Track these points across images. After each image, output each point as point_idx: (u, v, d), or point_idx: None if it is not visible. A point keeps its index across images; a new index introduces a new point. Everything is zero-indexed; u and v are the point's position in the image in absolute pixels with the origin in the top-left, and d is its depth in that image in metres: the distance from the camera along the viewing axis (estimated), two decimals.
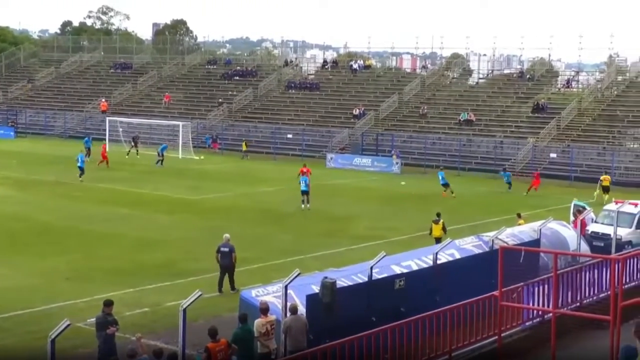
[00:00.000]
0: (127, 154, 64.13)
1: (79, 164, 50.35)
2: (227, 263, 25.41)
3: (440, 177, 49.19)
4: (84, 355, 18.84)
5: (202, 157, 66.10)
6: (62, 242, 32.14)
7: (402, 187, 52.89)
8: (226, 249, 25.48)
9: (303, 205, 42.33)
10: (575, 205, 33.27)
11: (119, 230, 34.81)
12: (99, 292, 23.54)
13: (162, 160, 59.17)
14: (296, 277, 17.83)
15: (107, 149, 57.94)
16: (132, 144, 65.86)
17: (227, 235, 26.05)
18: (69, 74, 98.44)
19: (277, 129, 72.93)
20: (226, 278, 25.49)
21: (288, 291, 17.81)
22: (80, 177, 49.58)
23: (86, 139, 62.97)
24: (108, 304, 17.70)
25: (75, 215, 38.38)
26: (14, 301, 23.38)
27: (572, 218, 31.54)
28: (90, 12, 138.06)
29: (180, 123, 69.74)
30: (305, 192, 42.44)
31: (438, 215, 32.00)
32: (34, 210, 38.96)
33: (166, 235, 34.34)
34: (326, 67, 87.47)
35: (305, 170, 47.50)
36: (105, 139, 67.62)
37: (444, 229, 31.27)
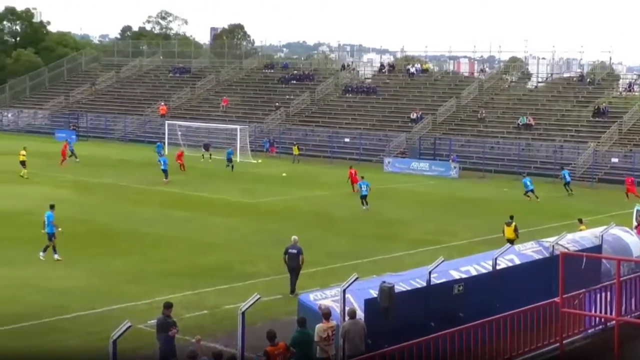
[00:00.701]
0: (202, 157, 64.70)
1: (162, 167, 51.36)
2: (294, 265, 25.47)
3: (528, 183, 48.94)
4: (145, 356, 19.02)
5: (259, 161, 66.41)
6: (122, 245, 32.53)
7: (461, 190, 52.55)
8: (294, 251, 25.52)
9: (364, 207, 42.54)
10: (638, 210, 32.72)
11: (178, 233, 35.14)
12: (158, 294, 23.81)
13: (232, 166, 59.26)
14: (354, 281, 17.78)
15: (183, 155, 58.18)
16: (204, 150, 66.06)
17: (295, 237, 26.09)
18: (128, 78, 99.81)
19: (334, 133, 73.01)
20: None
21: (346, 295, 17.76)
22: (165, 178, 50.83)
23: (158, 144, 63.49)
24: (168, 306, 17.81)
25: (135, 217, 38.83)
26: (76, 302, 23.73)
27: (635, 224, 31.03)
28: (150, 17, 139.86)
29: (238, 127, 70.21)
30: (365, 197, 42.82)
31: (511, 217, 32.15)
32: (94, 212, 39.51)
33: (224, 238, 34.56)
34: (383, 71, 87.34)
35: (354, 172, 47.96)
36: (164, 143, 68.50)
37: (516, 231, 31.24)
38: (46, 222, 29.24)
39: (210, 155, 64.58)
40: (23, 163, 51.70)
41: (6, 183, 48.78)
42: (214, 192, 48.07)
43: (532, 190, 48.57)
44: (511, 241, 29.30)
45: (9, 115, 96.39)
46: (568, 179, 51.49)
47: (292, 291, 25.08)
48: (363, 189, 43.22)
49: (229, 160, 59.61)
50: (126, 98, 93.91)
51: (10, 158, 56.04)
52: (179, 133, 72.45)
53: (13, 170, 52.09)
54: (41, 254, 29.03)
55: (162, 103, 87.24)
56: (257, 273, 27.92)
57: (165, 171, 51.27)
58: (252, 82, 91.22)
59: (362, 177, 44.80)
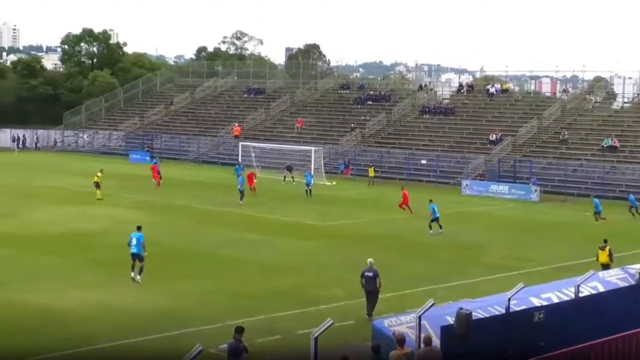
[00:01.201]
0: (284, 179, 65.11)
1: (239, 187, 51.73)
2: (371, 288, 25.33)
3: (598, 203, 48.86)
4: None
5: (334, 183, 66.45)
6: (193, 267, 32.78)
7: (542, 214, 51.83)
8: (370, 274, 25.39)
9: (431, 232, 42.22)
10: None
11: (250, 256, 35.27)
12: (229, 318, 23.87)
13: (309, 190, 57.54)
14: (430, 307, 17.61)
15: (254, 176, 58.06)
16: (286, 172, 66.41)
17: (370, 260, 25.95)
18: (203, 99, 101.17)
19: (411, 155, 72.79)
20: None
21: (422, 321, 17.59)
22: (240, 200, 51.07)
23: (237, 167, 63.36)
24: (239, 330, 17.83)
25: (206, 240, 39.13)
26: (147, 324, 23.93)
27: None
28: (225, 37, 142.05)
29: (313, 148, 70.43)
30: (437, 219, 42.34)
31: (605, 241, 31.60)
32: (166, 234, 39.88)
33: (296, 261, 34.58)
34: (462, 91, 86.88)
35: (406, 193, 48.71)
36: (238, 164, 68.96)
37: (610, 256, 30.73)
38: (135, 243, 29.54)
39: (293, 177, 64.64)
40: (97, 185, 52.51)
41: (79, 204, 49.71)
42: (287, 214, 48.22)
43: (598, 212, 48.20)
44: (606, 266, 28.81)
45: (85, 136, 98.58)
46: (635, 203, 50.79)
47: (370, 314, 24.90)
48: (435, 211, 42.64)
49: (308, 184, 57.66)
50: (200, 119, 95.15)
51: (85, 180, 57.01)
52: (253, 154, 72.99)
53: (86, 192, 53.04)
54: (138, 277, 29.42)
55: (236, 124, 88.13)
56: (331, 297, 27.83)
57: (241, 192, 51.62)
58: (328, 102, 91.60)
59: (431, 200, 44.20)
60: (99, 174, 52.95)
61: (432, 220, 42.49)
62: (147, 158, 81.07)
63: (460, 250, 38.41)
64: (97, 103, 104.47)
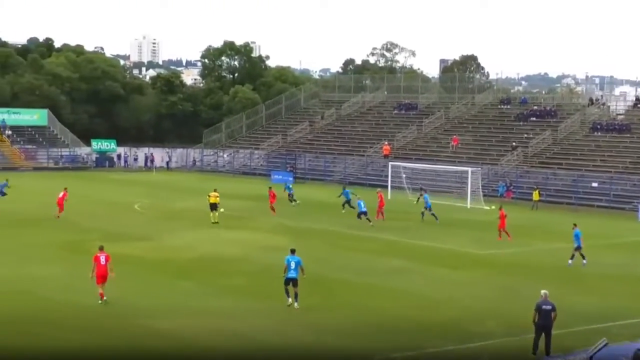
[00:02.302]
0: (416, 201, 64.88)
1: (362, 209, 52.05)
2: (547, 323, 24.52)
3: None
4: None
5: (493, 207, 65.23)
6: (333, 296, 32.70)
7: None
8: (548, 307, 24.66)
9: (571, 261, 40.87)
10: None
11: (395, 285, 34.91)
12: (375, 353, 23.57)
13: (431, 214, 55.71)
14: (603, 347, 16.92)
15: (383, 198, 57.39)
16: (419, 194, 66.13)
17: (545, 291, 25.23)
18: (349, 115, 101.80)
19: (580, 177, 71.11)
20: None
21: None
22: (367, 220, 51.59)
23: (345, 190, 62.08)
24: None
25: (347, 266, 39.06)
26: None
27: None
28: (374, 49, 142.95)
29: (469, 169, 69.56)
30: (579, 249, 40.89)
31: None
32: (304, 260, 40.04)
33: (449, 292, 34.00)
34: (638, 105, 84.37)
35: (504, 214, 48.81)
36: (387, 186, 68.79)
37: None
38: (293, 267, 29.79)
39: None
40: (214, 206, 52.34)
41: (216, 227, 50.45)
42: (437, 240, 47.65)
43: None
44: None
45: (225, 155, 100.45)
46: None
47: (548, 352, 24.01)
48: (580, 238, 40.96)
49: (428, 208, 55.52)
50: (347, 137, 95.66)
51: (225, 202, 57.42)
52: (404, 175, 72.63)
53: (224, 215, 53.52)
54: (295, 304, 29.59)
55: (386, 142, 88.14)
56: (488, 333, 27.16)
57: (364, 212, 51.93)
58: (486, 119, 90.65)
59: (575, 225, 42.53)
60: (216, 194, 52.81)
61: (576, 249, 40.97)
62: (290, 179, 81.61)
63: (637, 284, 37.06)
64: (237, 120, 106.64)
